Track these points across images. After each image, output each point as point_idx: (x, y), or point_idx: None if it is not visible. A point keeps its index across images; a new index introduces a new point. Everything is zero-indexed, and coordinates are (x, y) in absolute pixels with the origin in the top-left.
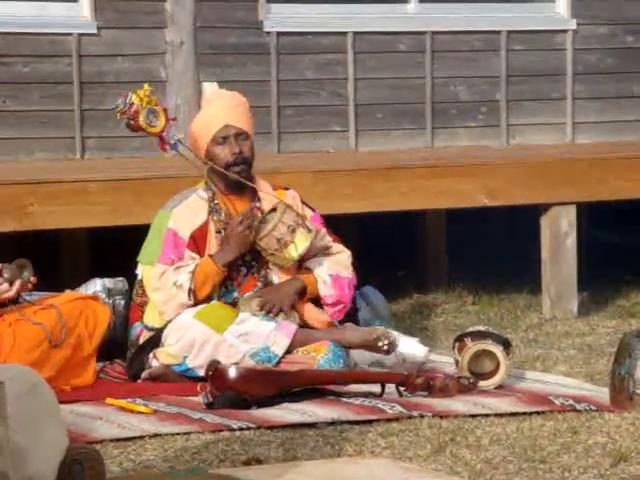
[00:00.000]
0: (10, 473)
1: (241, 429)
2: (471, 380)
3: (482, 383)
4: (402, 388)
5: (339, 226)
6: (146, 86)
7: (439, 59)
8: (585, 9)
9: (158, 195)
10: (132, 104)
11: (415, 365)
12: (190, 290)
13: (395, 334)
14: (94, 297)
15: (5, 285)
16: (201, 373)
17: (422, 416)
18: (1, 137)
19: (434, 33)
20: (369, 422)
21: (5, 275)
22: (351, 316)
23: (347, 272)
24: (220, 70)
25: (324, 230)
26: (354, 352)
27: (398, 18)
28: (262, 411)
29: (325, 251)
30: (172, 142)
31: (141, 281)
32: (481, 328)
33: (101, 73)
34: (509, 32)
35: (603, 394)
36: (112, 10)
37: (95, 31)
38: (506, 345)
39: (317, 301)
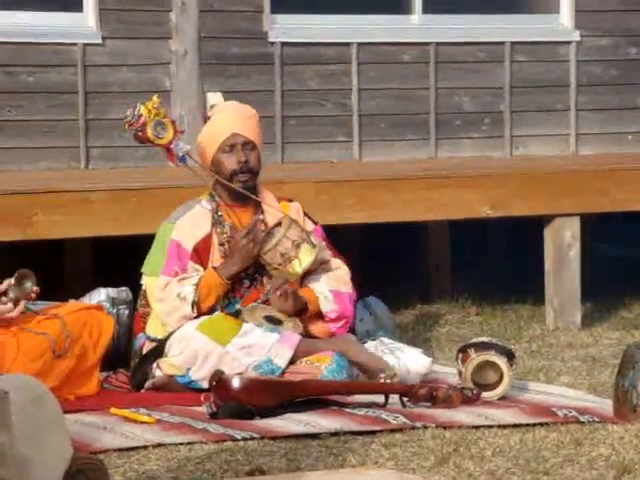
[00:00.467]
0: None
1: (245, 439)
2: (474, 391)
3: (485, 394)
4: (405, 399)
5: (342, 236)
6: (155, 98)
7: (443, 70)
8: (589, 21)
9: (162, 205)
10: (140, 116)
11: (418, 376)
12: (194, 302)
13: (398, 345)
14: (98, 307)
15: (9, 305)
16: (204, 385)
17: (425, 427)
18: (5, 146)
19: (438, 44)
20: (372, 433)
21: (10, 295)
22: (349, 330)
23: (347, 288)
24: (224, 80)
25: (323, 243)
26: None
27: (402, 29)
28: (266, 421)
29: (323, 265)
30: (180, 154)
31: (145, 292)
32: (484, 339)
33: (106, 83)
34: (513, 43)
35: (606, 406)
36: (117, 20)
37: (100, 41)
38: (509, 356)
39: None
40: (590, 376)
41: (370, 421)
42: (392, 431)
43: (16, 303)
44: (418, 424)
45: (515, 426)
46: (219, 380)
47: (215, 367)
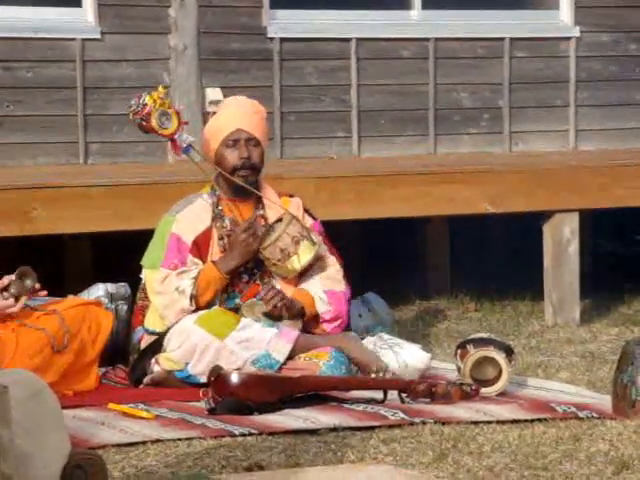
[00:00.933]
0: (14, 478)
1: (243, 435)
2: (473, 387)
3: (484, 390)
4: (404, 394)
5: (341, 232)
6: (160, 88)
7: (442, 66)
8: (589, 17)
9: (161, 201)
10: (145, 105)
11: (417, 372)
12: (192, 296)
13: (397, 341)
14: (97, 302)
15: (11, 300)
16: (202, 380)
17: (424, 423)
18: (5, 142)
19: (437, 40)
20: (371, 428)
21: (12, 290)
22: (345, 329)
23: (340, 286)
24: (223, 75)
25: (320, 238)
26: None
27: (401, 25)
28: (264, 417)
29: (318, 262)
30: (184, 145)
31: (144, 285)
32: (483, 335)
33: (105, 78)
34: (512, 39)
35: (605, 402)
36: (116, 15)
37: (99, 36)
38: (508, 352)
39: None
40: (589, 372)
41: (369, 417)
42: (391, 427)
43: (17, 298)
44: (417, 420)
45: (514, 422)
46: (218, 376)
47: (213, 361)
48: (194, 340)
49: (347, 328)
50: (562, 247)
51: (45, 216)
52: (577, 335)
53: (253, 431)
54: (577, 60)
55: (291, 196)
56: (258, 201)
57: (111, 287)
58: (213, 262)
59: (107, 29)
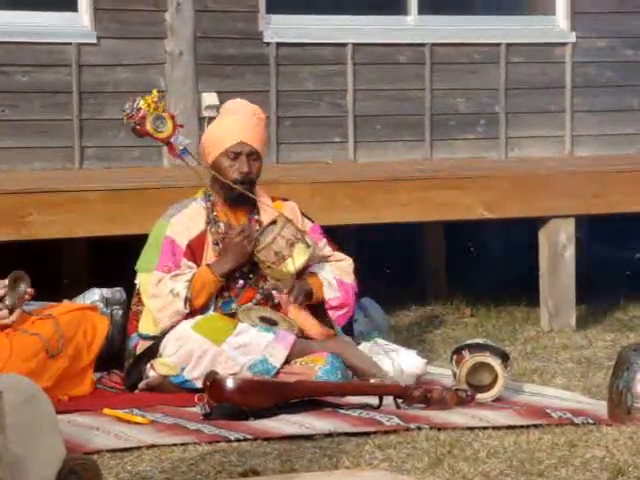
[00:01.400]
0: None
1: (238, 440)
2: (469, 392)
3: (480, 396)
4: (400, 400)
5: (337, 237)
6: (155, 92)
7: (438, 71)
8: (585, 22)
9: (157, 205)
10: (139, 109)
11: (413, 377)
12: (187, 299)
13: (393, 346)
14: (92, 307)
15: (4, 312)
16: (198, 385)
17: (420, 428)
18: (0, 146)
19: (434, 45)
20: (366, 434)
21: (6, 302)
22: (348, 325)
23: (349, 278)
24: (219, 80)
25: (324, 240)
26: None
27: (398, 30)
28: (259, 422)
29: (330, 255)
30: (181, 148)
31: (139, 290)
32: (479, 341)
33: (100, 83)
34: (509, 45)
35: (601, 407)
36: (112, 20)
37: (95, 41)
38: (504, 358)
39: (317, 311)
40: (585, 378)
41: (364, 422)
42: (386, 432)
43: (11, 311)
44: (412, 425)
45: (509, 428)
46: (213, 381)
47: (210, 367)
48: (191, 345)
49: (349, 323)
50: (558, 253)
51: (40, 221)
52: (573, 341)
53: (248, 436)
54: (573, 66)
55: (285, 200)
56: (253, 206)
57: (106, 292)
58: (208, 265)
59: (103, 34)
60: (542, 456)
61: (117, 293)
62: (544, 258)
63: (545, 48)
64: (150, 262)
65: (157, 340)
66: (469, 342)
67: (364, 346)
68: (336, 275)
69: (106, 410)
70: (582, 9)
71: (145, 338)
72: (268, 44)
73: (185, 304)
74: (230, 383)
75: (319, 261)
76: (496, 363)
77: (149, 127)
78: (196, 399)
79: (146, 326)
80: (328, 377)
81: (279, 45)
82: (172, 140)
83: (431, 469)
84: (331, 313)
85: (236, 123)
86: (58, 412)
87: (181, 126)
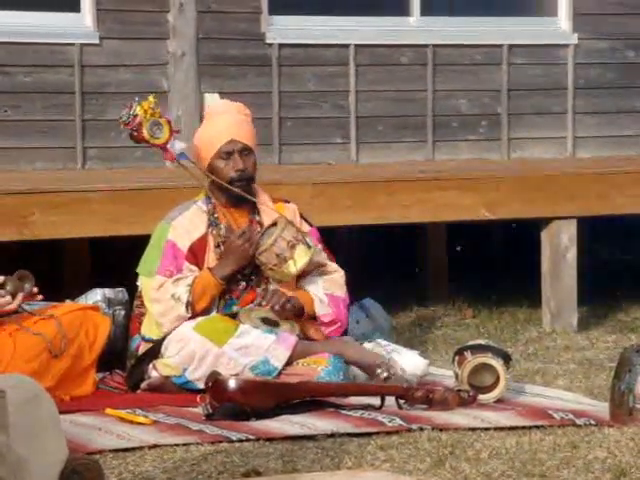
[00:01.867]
0: None
1: (240, 441)
2: (471, 393)
3: (482, 396)
4: (402, 401)
5: (339, 238)
6: (151, 98)
7: (441, 72)
8: (587, 24)
9: (159, 206)
10: (136, 116)
11: (415, 378)
12: (188, 303)
13: (395, 347)
14: (95, 307)
15: (7, 298)
16: (200, 386)
17: (422, 429)
18: (2, 147)
19: (436, 46)
20: (368, 435)
21: (8, 288)
22: (343, 334)
23: (341, 291)
24: (222, 81)
25: (320, 246)
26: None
27: (400, 31)
28: (262, 423)
29: (320, 268)
30: (177, 153)
31: (141, 293)
32: (481, 341)
33: (103, 83)
34: (511, 46)
35: (603, 409)
36: (114, 20)
37: (97, 41)
38: (506, 359)
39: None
40: (586, 379)
41: (366, 423)
42: (388, 433)
43: (13, 296)
44: (414, 426)
45: (511, 428)
46: (215, 381)
47: (211, 367)
48: (193, 346)
49: (345, 334)
50: (560, 254)
51: (43, 221)
52: (575, 342)
53: (250, 437)
54: (575, 67)
55: (286, 202)
56: (253, 207)
57: (109, 292)
58: (209, 269)
59: (106, 34)
60: (544, 457)
61: (119, 293)
62: (546, 259)
63: (547, 49)
64: (151, 266)
65: (159, 341)
66: (471, 343)
67: (366, 347)
68: (327, 290)
69: (108, 410)
70: (584, 10)
71: (147, 341)
72: (270, 45)
73: (187, 308)
74: (232, 383)
75: (312, 270)
76: (498, 364)
77: (146, 133)
78: (198, 399)
79: (148, 330)
80: (330, 378)
81: (281, 46)
82: (168, 146)
83: (433, 470)
84: (324, 329)
85: (224, 123)
86: (60, 412)
87: (177, 131)
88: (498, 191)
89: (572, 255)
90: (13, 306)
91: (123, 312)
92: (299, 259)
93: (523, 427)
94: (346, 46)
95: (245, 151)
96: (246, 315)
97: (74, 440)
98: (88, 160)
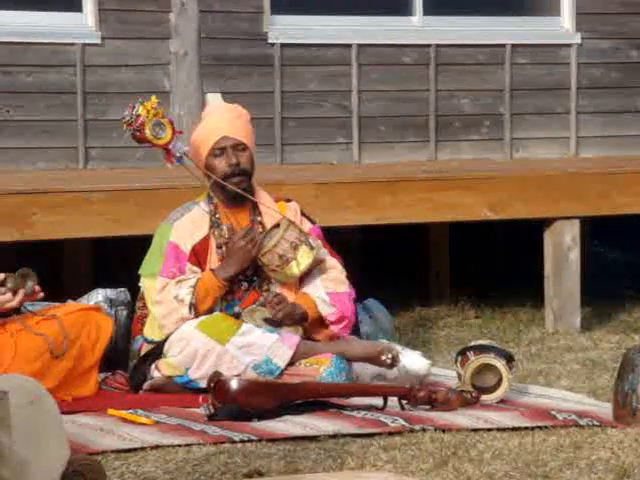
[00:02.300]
0: None
1: (243, 441)
2: (473, 394)
3: (484, 397)
4: (404, 401)
5: (341, 238)
6: (153, 98)
7: (443, 72)
8: (590, 23)
9: (161, 206)
10: (139, 116)
11: (417, 378)
12: (191, 304)
13: (398, 347)
14: (97, 308)
15: (8, 295)
16: (203, 385)
17: (424, 430)
18: (4, 146)
19: (438, 46)
20: (371, 435)
21: (8, 285)
22: (353, 331)
23: (344, 287)
24: (224, 81)
25: (319, 242)
26: (356, 365)
27: (403, 30)
28: (264, 423)
29: (318, 265)
30: (178, 155)
31: (143, 294)
32: (484, 342)
33: (105, 83)
34: (514, 45)
35: (606, 409)
36: (116, 20)
37: (99, 41)
38: (509, 359)
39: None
40: (589, 379)
41: (369, 424)
42: (391, 434)
43: (15, 293)
44: (417, 427)
45: (514, 429)
46: (217, 382)
47: (214, 366)
48: (195, 345)
49: (355, 328)
50: (563, 254)
51: (45, 221)
52: (578, 342)
53: (253, 437)
54: (578, 67)
55: (288, 201)
56: (254, 207)
57: (111, 292)
58: (212, 270)
59: (107, 34)
60: (547, 458)
61: (121, 294)
62: (549, 259)
63: (550, 49)
64: (154, 267)
65: (161, 341)
66: (474, 343)
67: None
68: (329, 289)
69: (110, 411)
70: (587, 10)
71: (150, 342)
72: (273, 45)
73: (190, 310)
74: (234, 384)
75: (311, 273)
76: (501, 364)
77: (148, 134)
78: (200, 400)
79: (151, 332)
80: (333, 378)
81: (283, 46)
82: (170, 147)
83: (436, 470)
84: (333, 328)
85: (215, 121)
86: (63, 413)
87: (180, 132)
88: (501, 191)
89: (575, 255)
90: (14, 303)
91: (125, 312)
92: (302, 260)
93: (526, 428)
94: (348, 46)
95: (238, 146)
96: (249, 315)
97: (76, 441)
98: (90, 160)
